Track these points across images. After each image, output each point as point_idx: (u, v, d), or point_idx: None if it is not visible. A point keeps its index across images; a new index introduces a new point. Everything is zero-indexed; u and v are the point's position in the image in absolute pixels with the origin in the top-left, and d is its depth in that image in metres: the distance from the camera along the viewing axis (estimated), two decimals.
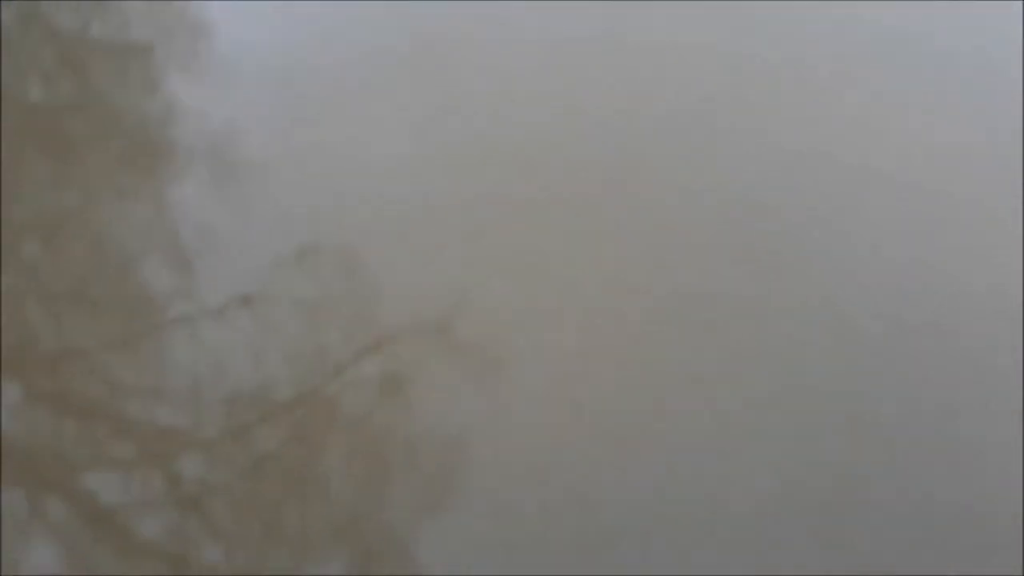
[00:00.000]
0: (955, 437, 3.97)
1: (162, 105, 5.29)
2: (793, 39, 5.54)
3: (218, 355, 4.20)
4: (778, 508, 3.80)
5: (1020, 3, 5.05)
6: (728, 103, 5.22)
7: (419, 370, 4.15)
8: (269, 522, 3.86)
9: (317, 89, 5.25)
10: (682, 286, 4.47)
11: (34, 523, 3.79)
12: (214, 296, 4.37)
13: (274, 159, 4.90)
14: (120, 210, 4.80)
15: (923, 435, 3.98)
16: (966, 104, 5.23)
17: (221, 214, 4.67)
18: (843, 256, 4.57)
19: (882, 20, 5.69)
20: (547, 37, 5.55)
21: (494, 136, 5.03)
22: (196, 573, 3.74)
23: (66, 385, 4.11)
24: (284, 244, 4.55)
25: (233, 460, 3.98)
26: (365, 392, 4.13)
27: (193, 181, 4.91)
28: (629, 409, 4.07)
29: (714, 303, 4.42)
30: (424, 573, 3.74)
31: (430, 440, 3.99)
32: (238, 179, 4.85)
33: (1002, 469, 3.88)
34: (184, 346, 4.25)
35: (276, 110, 5.12)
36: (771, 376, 4.19)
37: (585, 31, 5.59)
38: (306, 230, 4.60)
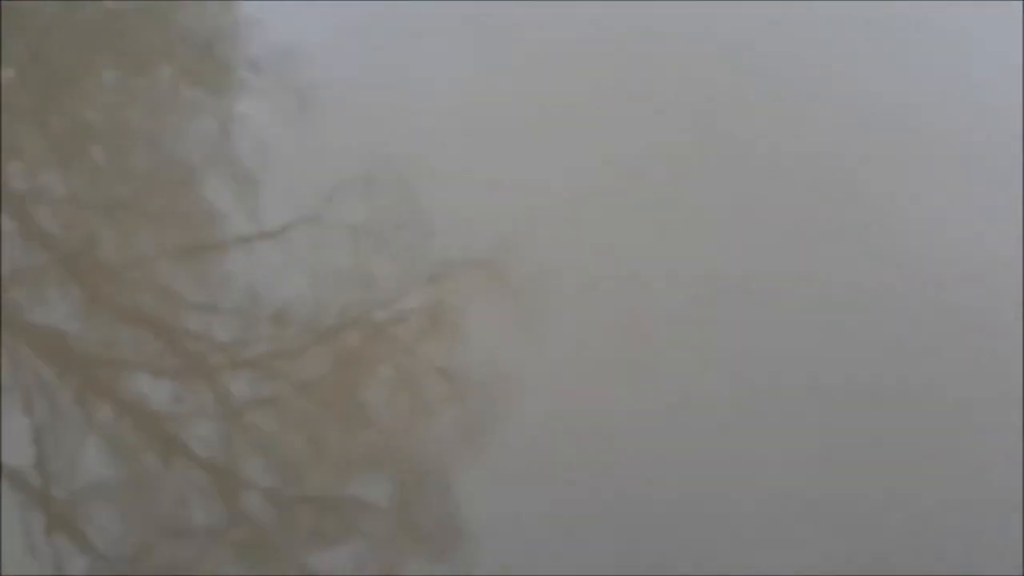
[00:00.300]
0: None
1: (232, 20, 5.32)
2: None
3: (272, 275, 4.26)
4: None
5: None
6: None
7: (468, 303, 4.20)
8: (312, 442, 3.95)
9: (389, 14, 5.25)
10: (736, 231, 4.47)
11: (88, 426, 3.90)
12: (272, 216, 4.43)
13: (340, 82, 4.92)
14: (185, 124, 4.86)
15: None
16: None
17: (284, 135, 4.72)
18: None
19: None
20: None
21: (561, 75, 5.03)
22: (239, 485, 3.84)
23: (125, 293, 4.20)
24: (344, 169, 4.59)
25: (281, 379, 4.06)
26: (414, 322, 4.18)
27: (258, 100, 4.95)
28: (674, 351, 4.10)
29: (766, 251, 4.42)
30: (461, 504, 3.82)
31: (474, 373, 4.05)
32: (303, 100, 4.88)
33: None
34: (240, 263, 4.32)
35: (347, 32, 5.14)
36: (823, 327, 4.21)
37: None
38: (366, 157, 4.63)
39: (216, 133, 4.81)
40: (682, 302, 4.25)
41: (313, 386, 4.04)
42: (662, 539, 3.74)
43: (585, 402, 3.98)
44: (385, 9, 5.26)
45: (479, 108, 4.87)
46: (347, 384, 4.06)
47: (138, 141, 4.68)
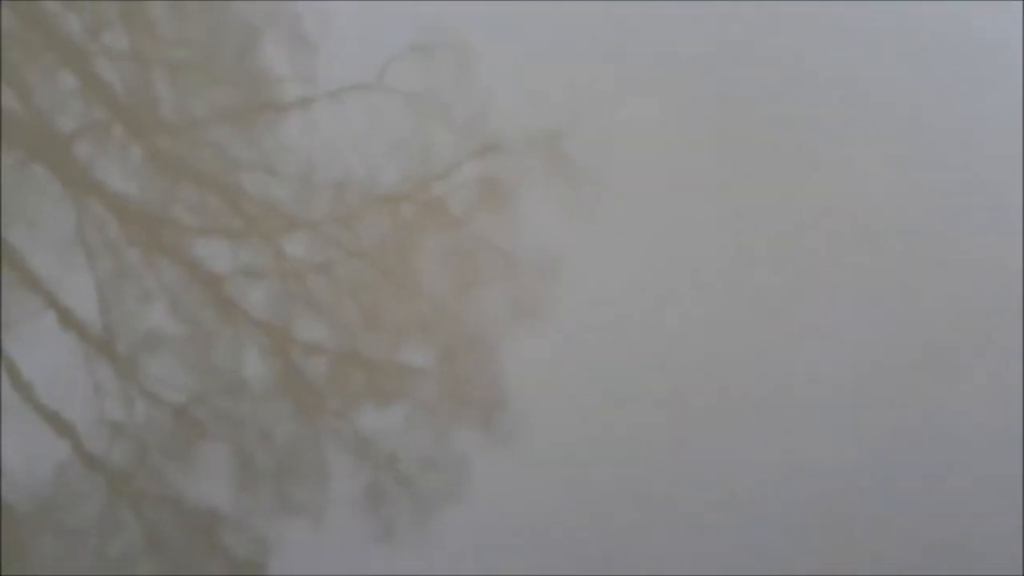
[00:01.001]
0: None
1: None
2: None
3: (330, 140, 4.31)
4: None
5: None
6: None
7: (522, 181, 4.25)
8: (365, 307, 4.06)
9: None
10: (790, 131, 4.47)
11: (147, 281, 4.02)
12: (331, 81, 4.45)
13: None
14: None
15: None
16: None
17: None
18: None
19: None
20: None
21: None
22: (293, 345, 3.97)
23: (183, 152, 4.28)
24: (403, 36, 4.59)
25: (336, 244, 4.15)
26: (467, 195, 4.25)
27: None
28: (724, 250, 4.16)
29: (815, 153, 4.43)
30: (504, 375, 3.94)
31: (525, 250, 4.13)
32: None
33: None
34: (297, 128, 4.37)
35: None
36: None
37: None
38: (427, 24, 4.62)
39: None
40: (739, 188, 4.28)
41: (367, 253, 4.13)
42: (711, 413, 3.85)
43: (632, 285, 4.05)
44: None
45: None
46: (400, 253, 4.14)
47: (199, 1, 4.69)
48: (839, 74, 4.55)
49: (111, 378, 3.85)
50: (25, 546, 3.60)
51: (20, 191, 4.09)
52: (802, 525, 3.73)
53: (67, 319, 3.90)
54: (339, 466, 3.82)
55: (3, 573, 3.55)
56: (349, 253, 4.12)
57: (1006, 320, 4.13)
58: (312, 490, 3.78)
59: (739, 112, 4.44)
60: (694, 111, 4.42)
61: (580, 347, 3.95)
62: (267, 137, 4.35)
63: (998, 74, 4.54)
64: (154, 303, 3.97)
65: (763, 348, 3.99)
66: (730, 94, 4.47)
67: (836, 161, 4.36)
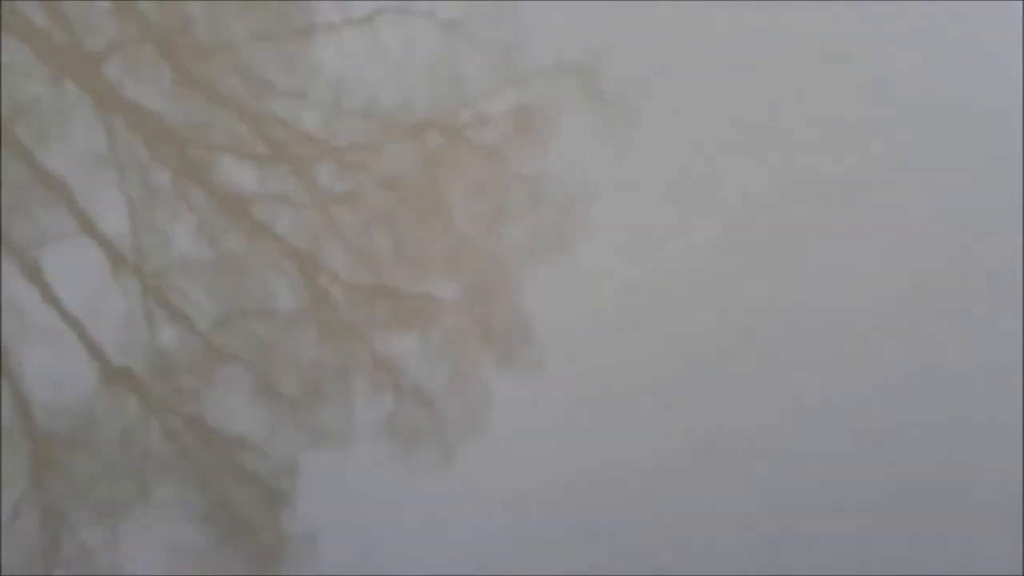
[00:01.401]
0: None
1: None
2: None
3: (360, 66, 4.30)
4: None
5: None
6: None
7: (554, 112, 4.23)
8: (392, 236, 4.08)
9: None
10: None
11: (179, 204, 4.04)
12: (361, 5, 4.42)
13: None
14: None
15: None
16: None
17: None
18: None
19: None
20: None
21: None
22: (320, 271, 4.00)
23: (214, 75, 4.27)
24: None
25: (365, 172, 4.16)
26: (499, 125, 4.23)
27: None
28: (751, 187, 4.15)
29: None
30: (527, 309, 3.96)
31: (555, 182, 4.13)
32: None
33: None
34: (328, 52, 4.35)
35: None
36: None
37: None
38: None
39: None
40: (769, 125, 4.26)
41: (395, 182, 4.13)
42: (730, 349, 3.87)
43: (658, 220, 4.06)
44: None
45: None
46: (429, 182, 4.15)
47: None
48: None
49: (140, 299, 3.89)
50: (56, 466, 3.68)
51: (53, 108, 4.10)
52: (818, 451, 3.78)
53: (98, 238, 3.93)
54: (363, 392, 3.87)
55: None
56: (377, 182, 4.13)
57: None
58: (337, 416, 3.84)
59: (770, 52, 4.40)
60: (727, 50, 4.39)
61: (604, 281, 3.97)
62: (297, 61, 4.34)
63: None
64: (183, 225, 4.00)
65: (782, 287, 4.00)
66: (763, 35, 4.43)
67: (864, 94, 4.32)
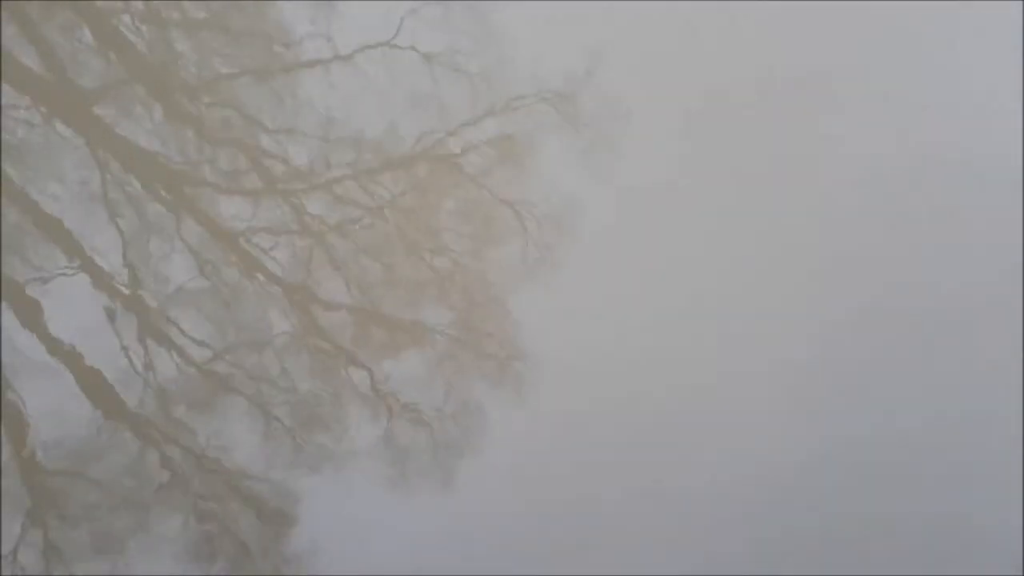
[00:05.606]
0: None
1: None
2: None
3: (347, 99, 4.36)
4: None
5: None
6: None
7: (537, 137, 4.30)
8: (383, 265, 4.14)
9: None
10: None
11: (172, 238, 4.10)
12: (347, 41, 4.49)
13: None
14: None
15: None
16: None
17: None
18: None
19: None
20: None
21: None
22: (313, 301, 4.06)
23: (203, 111, 4.33)
24: None
25: (354, 203, 4.22)
26: (483, 151, 4.30)
27: None
28: (735, 205, 4.21)
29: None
30: (519, 329, 4.01)
31: (540, 205, 4.19)
32: None
33: None
34: (316, 87, 4.42)
35: None
36: None
37: None
38: None
39: None
40: (751, 143, 4.31)
41: (385, 211, 4.20)
42: (722, 363, 3.91)
43: (646, 236, 4.11)
44: None
45: None
46: (418, 210, 4.21)
47: None
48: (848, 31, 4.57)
49: (136, 333, 3.94)
50: (56, 496, 3.71)
51: (45, 148, 4.16)
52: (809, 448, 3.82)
53: (94, 274, 3.99)
54: (359, 417, 3.91)
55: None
56: (367, 212, 4.19)
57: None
58: (333, 441, 3.88)
59: (749, 71, 4.46)
60: (705, 73, 4.44)
61: (593, 301, 4.02)
62: (286, 97, 4.40)
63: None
64: (177, 260, 4.06)
65: (771, 300, 4.05)
66: (739, 54, 4.49)
67: (850, 108, 4.37)
